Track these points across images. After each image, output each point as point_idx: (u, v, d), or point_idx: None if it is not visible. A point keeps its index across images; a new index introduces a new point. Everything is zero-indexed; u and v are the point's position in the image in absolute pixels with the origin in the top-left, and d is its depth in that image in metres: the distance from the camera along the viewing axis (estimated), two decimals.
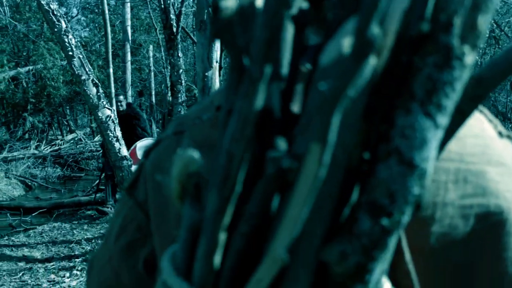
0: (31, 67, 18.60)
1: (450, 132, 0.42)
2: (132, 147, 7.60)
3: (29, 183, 12.86)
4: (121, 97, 9.37)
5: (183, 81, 6.54)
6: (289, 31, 0.39)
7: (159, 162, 0.63)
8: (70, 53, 5.38)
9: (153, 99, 18.25)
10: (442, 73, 0.36)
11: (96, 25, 23.24)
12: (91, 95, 5.55)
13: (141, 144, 7.81)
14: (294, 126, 0.39)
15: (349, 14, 0.38)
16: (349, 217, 0.37)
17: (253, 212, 0.40)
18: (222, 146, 0.41)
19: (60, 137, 18.83)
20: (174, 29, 6.51)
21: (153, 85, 18.02)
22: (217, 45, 5.10)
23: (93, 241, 6.39)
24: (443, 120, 0.36)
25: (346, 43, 0.35)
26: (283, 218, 0.38)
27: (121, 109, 9.04)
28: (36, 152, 15.39)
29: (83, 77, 5.48)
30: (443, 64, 0.36)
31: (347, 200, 0.38)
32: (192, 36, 10.01)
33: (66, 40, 5.35)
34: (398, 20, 0.36)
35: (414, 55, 0.37)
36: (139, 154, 7.62)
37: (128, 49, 13.39)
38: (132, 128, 8.33)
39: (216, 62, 5.06)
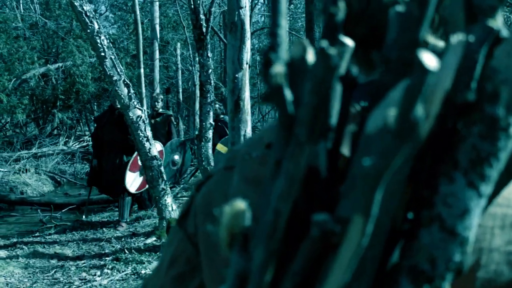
0: (60, 64, 18.83)
1: (497, 190, 0.42)
2: (135, 154, 7.10)
3: (58, 179, 13.06)
4: (159, 103, 8.88)
5: (212, 81, 6.58)
6: (337, 95, 0.41)
7: (210, 197, 0.66)
8: (102, 53, 5.46)
9: (180, 97, 18.37)
10: (486, 143, 0.37)
11: (124, 22, 23.42)
12: (122, 95, 5.64)
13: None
14: (340, 181, 0.41)
15: (397, 78, 0.39)
16: (390, 280, 0.39)
17: (297, 271, 0.41)
18: (270, 203, 0.42)
19: (88, 133, 19.02)
20: (204, 29, 6.54)
21: (180, 82, 18.15)
22: (248, 46, 5.13)
23: (122, 239, 6.48)
24: (487, 189, 0.37)
25: (391, 116, 0.36)
26: (326, 280, 0.39)
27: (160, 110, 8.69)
28: (65, 148, 15.60)
29: (114, 78, 5.56)
30: (488, 135, 0.37)
31: (388, 261, 0.39)
32: (221, 36, 10.04)
33: (98, 41, 5.43)
34: (443, 94, 0.37)
35: (459, 121, 0.38)
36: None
37: (157, 47, 13.49)
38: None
39: (247, 63, 5.09)
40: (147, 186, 7.34)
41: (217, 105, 9.86)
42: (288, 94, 0.43)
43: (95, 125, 8.12)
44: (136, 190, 7.65)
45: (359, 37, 0.54)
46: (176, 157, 9.12)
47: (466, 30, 0.40)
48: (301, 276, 0.41)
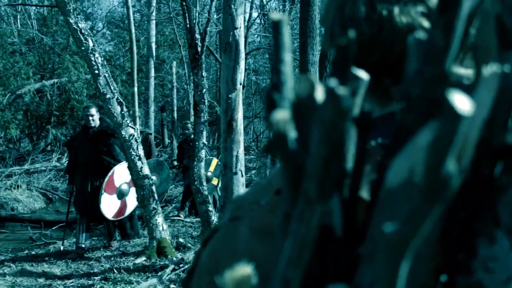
0: (56, 80, 18.84)
1: None
2: (110, 173, 6.72)
3: (50, 196, 12.96)
4: (189, 125, 8.77)
5: (206, 101, 6.56)
6: (351, 141, 0.35)
7: (216, 255, 0.61)
8: (96, 71, 5.44)
9: (175, 115, 18.35)
10: None
11: (121, 39, 23.48)
12: (115, 114, 5.60)
13: (120, 168, 6.73)
14: (359, 241, 0.35)
15: (420, 120, 0.34)
16: None
17: None
18: (278, 270, 0.37)
19: None
20: (199, 49, 6.54)
21: (175, 101, 18.15)
22: (242, 67, 5.11)
23: (112, 258, 6.40)
24: None
25: (418, 170, 0.30)
26: None
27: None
28: (58, 164, 15.51)
29: (108, 96, 5.53)
30: None
31: None
32: (216, 55, 10.05)
33: (92, 58, 5.41)
34: (478, 138, 0.31)
35: (497, 168, 0.32)
36: (118, 180, 6.87)
37: (152, 65, 13.50)
38: (106, 147, 6.86)
39: (240, 84, 5.07)
40: (126, 213, 7.05)
41: (189, 125, 9.79)
42: (293, 144, 0.37)
43: (67, 149, 7.59)
44: (113, 217, 6.95)
45: (371, 65, 0.50)
46: (154, 177, 8.63)
47: (500, 58, 0.35)
48: None
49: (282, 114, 0.37)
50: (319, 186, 0.34)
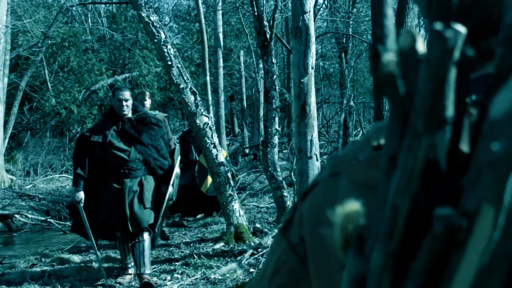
0: (127, 75, 19.34)
1: None
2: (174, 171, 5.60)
3: None
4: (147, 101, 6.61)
5: (276, 87, 6.58)
6: (453, 80, 0.38)
7: (317, 205, 0.64)
8: (169, 62, 5.55)
9: (244, 104, 18.49)
10: None
11: (188, 32, 23.82)
12: (189, 103, 5.71)
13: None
14: (461, 175, 0.38)
15: None
16: None
17: (419, 270, 0.38)
18: (387, 200, 0.40)
19: None
20: (268, 36, 6.56)
21: (244, 89, 18.27)
22: (313, 51, 5.11)
23: (191, 244, 6.55)
24: None
25: None
26: (451, 280, 0.37)
27: None
28: None
29: (181, 86, 5.64)
30: None
31: None
32: (284, 42, 10.04)
33: (165, 50, 5.52)
34: None
35: None
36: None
37: (220, 55, 13.63)
38: (151, 140, 5.31)
39: (312, 68, 5.07)
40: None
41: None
42: (401, 83, 0.40)
43: (79, 147, 5.32)
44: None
45: (469, 30, 0.51)
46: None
47: None
48: (424, 277, 0.38)
49: (389, 56, 0.40)
50: (426, 120, 0.37)
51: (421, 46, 0.40)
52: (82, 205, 5.12)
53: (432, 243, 0.37)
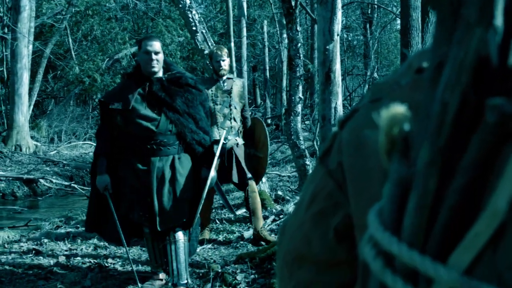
0: None
1: None
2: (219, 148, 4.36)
3: None
4: None
5: (301, 55, 6.55)
6: None
7: (357, 130, 0.64)
8: (194, 28, 5.55)
9: (267, 74, 18.43)
10: None
11: (211, 1, 23.71)
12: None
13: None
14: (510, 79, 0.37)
15: None
16: None
17: (468, 166, 0.37)
18: (436, 97, 0.39)
19: None
20: (293, 3, 6.51)
21: (267, 59, 18.19)
22: (339, 17, 5.06)
23: (213, 210, 6.61)
24: None
25: None
26: (503, 174, 0.35)
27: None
28: None
29: (206, 52, 5.64)
30: None
31: None
32: (308, 11, 9.95)
33: (190, 15, 5.52)
34: None
35: None
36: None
37: (244, 25, 13.56)
38: (188, 106, 4.02)
39: (338, 35, 5.03)
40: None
41: None
42: None
43: (103, 116, 4.17)
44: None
45: None
46: None
47: None
48: (473, 172, 0.37)
49: None
50: (479, 9, 0.37)
51: None
52: (110, 192, 3.97)
53: (483, 135, 0.37)
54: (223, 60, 5.14)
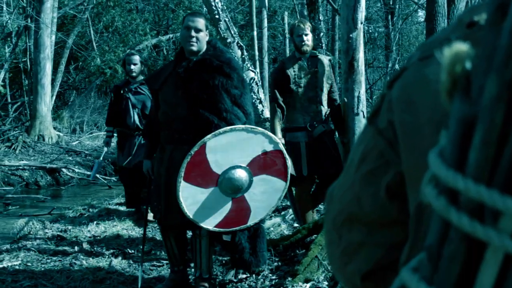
0: (171, 35, 19.39)
1: None
2: (196, 147, 3.34)
3: None
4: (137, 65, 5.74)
5: (323, 44, 6.52)
6: None
7: (407, 87, 0.64)
8: (217, 16, 5.55)
9: None
10: None
11: None
12: (236, 57, 5.71)
13: (223, 139, 3.40)
14: None
15: None
16: None
17: None
18: (504, 28, 0.38)
19: None
20: None
21: (287, 51, 18.13)
22: (362, 5, 5.02)
23: None
24: None
25: None
26: None
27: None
28: None
29: (228, 40, 5.64)
30: None
31: None
32: (330, 1, 9.88)
33: (213, 3, 5.53)
34: None
35: None
36: (220, 159, 3.42)
37: (265, 15, 13.50)
38: (207, 93, 3.53)
39: (361, 23, 4.99)
40: (247, 222, 3.62)
41: None
42: None
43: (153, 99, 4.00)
44: (217, 227, 3.57)
45: None
46: None
47: None
48: None
49: None
50: None
51: None
52: (152, 177, 3.85)
53: None
54: (306, 35, 4.62)
